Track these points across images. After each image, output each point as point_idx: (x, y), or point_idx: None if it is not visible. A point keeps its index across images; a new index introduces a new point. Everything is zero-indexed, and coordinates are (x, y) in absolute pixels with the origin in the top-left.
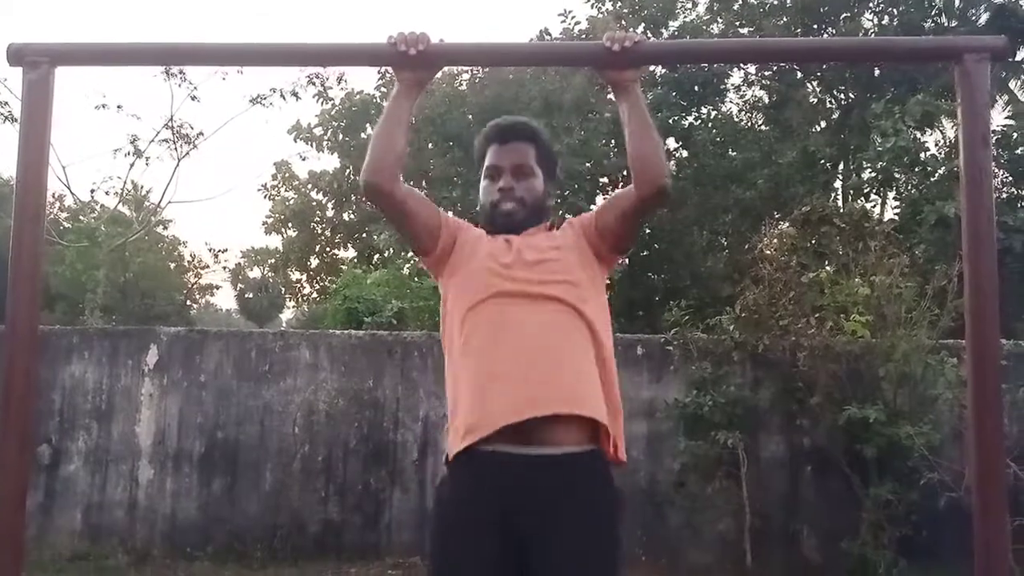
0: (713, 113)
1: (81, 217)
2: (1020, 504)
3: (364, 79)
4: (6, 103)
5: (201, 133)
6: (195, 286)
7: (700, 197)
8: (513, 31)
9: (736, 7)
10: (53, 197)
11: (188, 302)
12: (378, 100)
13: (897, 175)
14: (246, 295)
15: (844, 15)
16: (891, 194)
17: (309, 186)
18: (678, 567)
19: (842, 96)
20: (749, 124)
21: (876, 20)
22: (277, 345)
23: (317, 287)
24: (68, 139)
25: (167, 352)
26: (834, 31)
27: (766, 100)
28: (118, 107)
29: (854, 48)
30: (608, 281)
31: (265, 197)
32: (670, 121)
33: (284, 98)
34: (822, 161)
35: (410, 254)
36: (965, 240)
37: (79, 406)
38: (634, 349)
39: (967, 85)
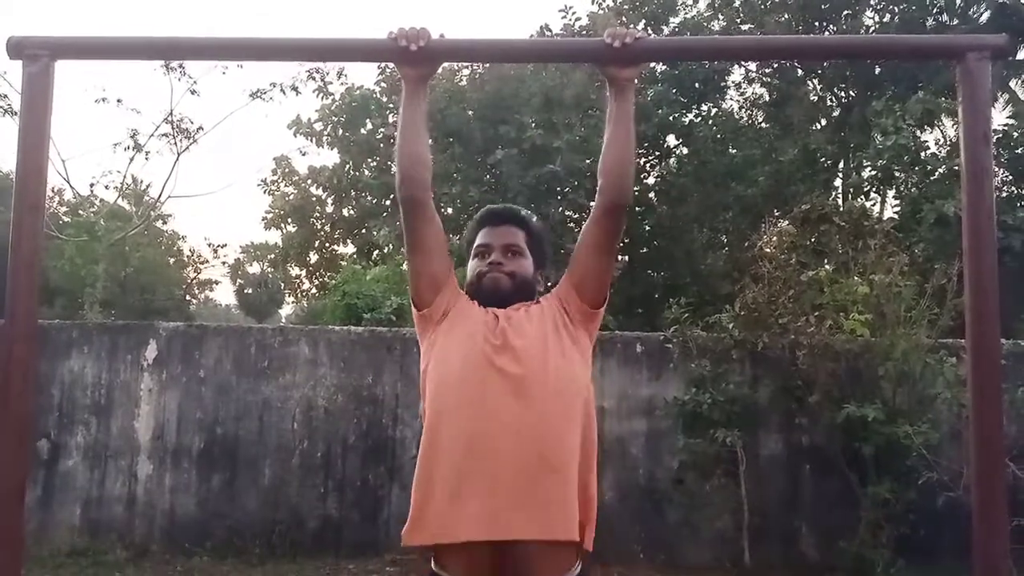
0: (714, 110)
1: (80, 211)
2: (1019, 504)
3: (364, 74)
4: (6, 96)
5: (201, 128)
6: (194, 281)
7: (700, 194)
8: (513, 27)
9: (737, 4)
10: (52, 191)
11: (187, 297)
12: (378, 95)
13: (897, 173)
14: (245, 290)
15: (845, 12)
16: (891, 192)
17: (309, 181)
18: (676, 564)
19: (843, 94)
20: (750, 121)
21: (877, 18)
22: (276, 341)
23: (316, 283)
24: (68, 133)
25: (166, 347)
26: (835, 28)
27: (767, 97)
28: (118, 101)
29: (857, 45)
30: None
31: (265, 192)
32: (671, 118)
33: (284, 93)
34: (822, 159)
35: None
36: (965, 238)
37: (78, 401)
38: (633, 347)
39: (969, 83)
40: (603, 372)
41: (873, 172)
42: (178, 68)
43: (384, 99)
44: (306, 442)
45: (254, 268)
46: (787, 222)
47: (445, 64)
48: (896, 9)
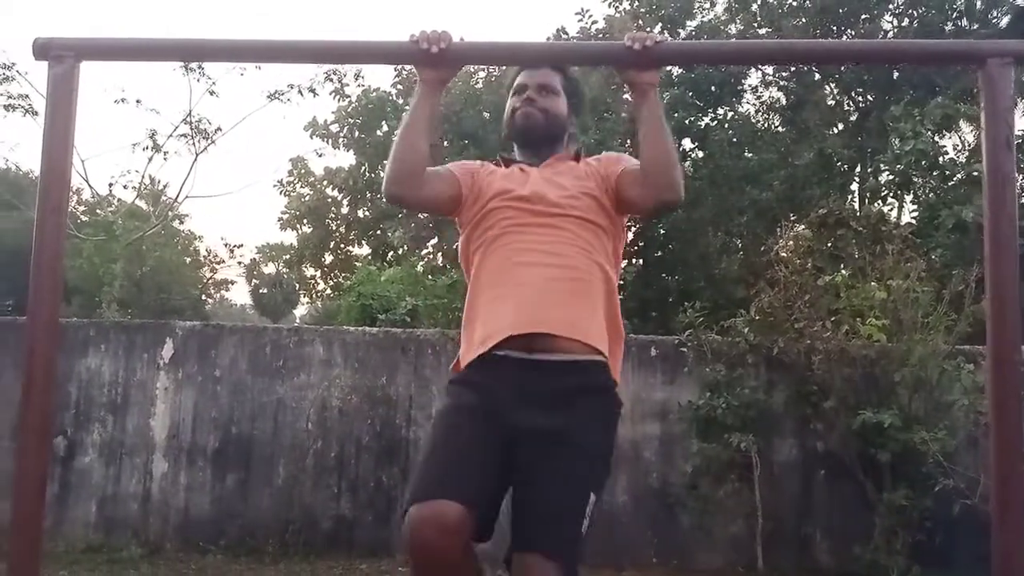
0: (730, 114)
1: (99, 211)
2: None
3: (381, 76)
4: (27, 96)
5: (219, 128)
6: (210, 281)
7: (715, 198)
8: (529, 30)
9: (754, 8)
10: (71, 191)
11: (203, 297)
12: (394, 98)
13: (915, 178)
14: (260, 291)
15: (863, 17)
16: (908, 198)
17: (325, 183)
18: (689, 569)
19: (860, 98)
20: (766, 125)
21: (896, 22)
22: (291, 341)
23: (331, 283)
24: (87, 133)
25: (182, 346)
26: (853, 33)
27: (783, 101)
28: (137, 102)
29: (878, 50)
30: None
31: (281, 193)
32: (686, 121)
33: (302, 94)
34: (839, 163)
35: (425, 251)
36: (987, 244)
37: (95, 398)
38: (648, 350)
39: (990, 89)
40: None
41: (891, 177)
42: (197, 69)
43: (400, 101)
44: (320, 442)
45: (269, 268)
46: (803, 226)
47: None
48: (915, 13)
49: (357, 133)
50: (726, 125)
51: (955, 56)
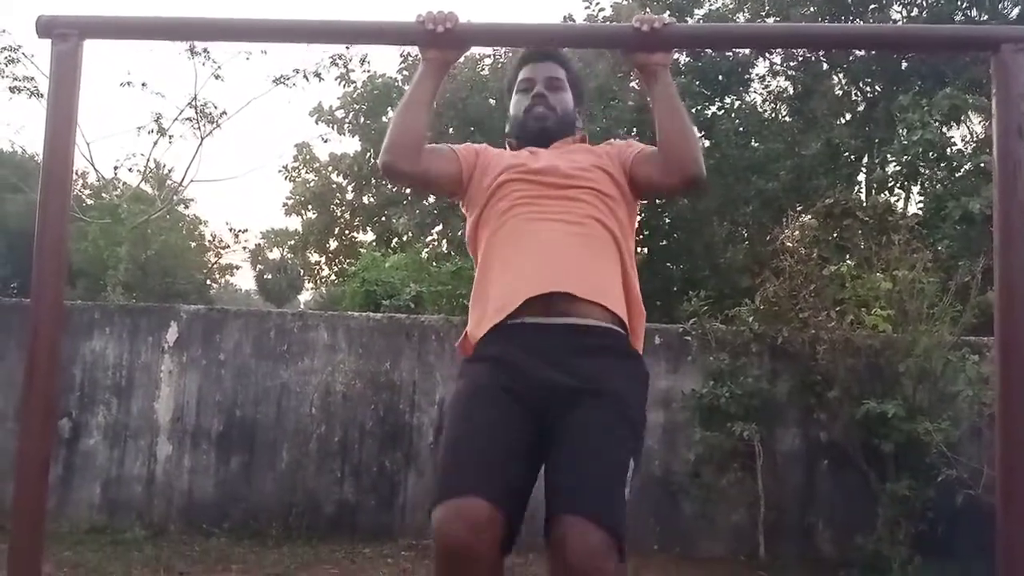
0: (737, 103)
1: (104, 194)
2: None
3: (387, 62)
4: (32, 78)
5: (224, 112)
6: (215, 266)
7: (721, 188)
8: (537, 17)
9: None
10: (76, 174)
11: (208, 281)
12: (400, 84)
13: (922, 169)
14: (265, 276)
15: (872, 6)
16: (915, 188)
17: (330, 168)
18: (691, 557)
19: (868, 88)
20: (773, 115)
21: (905, 12)
22: (296, 326)
23: (335, 269)
24: (92, 116)
25: (187, 330)
26: (862, 22)
27: (790, 91)
28: (142, 85)
29: (889, 36)
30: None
31: (286, 178)
32: (693, 110)
33: (307, 79)
34: (846, 153)
35: (429, 238)
36: (996, 234)
37: (99, 381)
38: (652, 338)
39: (1003, 75)
40: None
41: (898, 167)
42: (202, 52)
43: (406, 87)
44: (323, 427)
45: (274, 254)
46: (809, 216)
47: (467, 52)
48: (924, 3)
49: (362, 119)
50: (733, 114)
51: (968, 42)
